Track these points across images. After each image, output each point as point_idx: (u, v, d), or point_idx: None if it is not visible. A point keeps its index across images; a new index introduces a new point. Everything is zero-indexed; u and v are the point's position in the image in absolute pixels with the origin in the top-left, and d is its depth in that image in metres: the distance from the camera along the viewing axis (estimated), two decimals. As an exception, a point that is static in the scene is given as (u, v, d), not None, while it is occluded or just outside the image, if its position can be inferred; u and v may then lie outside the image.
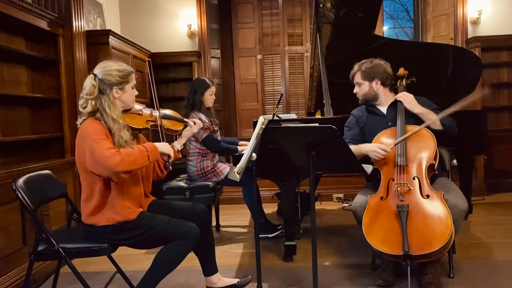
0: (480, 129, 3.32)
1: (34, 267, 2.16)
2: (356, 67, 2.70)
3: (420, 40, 6.14)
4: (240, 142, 3.51)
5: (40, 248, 1.99)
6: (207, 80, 3.43)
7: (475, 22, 5.07)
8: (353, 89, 2.72)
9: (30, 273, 2.02)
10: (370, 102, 2.69)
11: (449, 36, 5.51)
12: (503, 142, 4.88)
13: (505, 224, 3.58)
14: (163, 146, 2.11)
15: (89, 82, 2.01)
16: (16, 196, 1.94)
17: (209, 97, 3.39)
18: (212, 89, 3.40)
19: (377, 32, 3.68)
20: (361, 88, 2.67)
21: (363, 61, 2.70)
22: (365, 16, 3.49)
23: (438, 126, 2.47)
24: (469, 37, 5.03)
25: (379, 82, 2.63)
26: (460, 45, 4.90)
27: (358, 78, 2.67)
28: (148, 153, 1.98)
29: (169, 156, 2.14)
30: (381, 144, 2.42)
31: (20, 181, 1.99)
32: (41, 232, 1.97)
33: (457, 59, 3.48)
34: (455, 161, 3.49)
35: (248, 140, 2.29)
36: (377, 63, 2.65)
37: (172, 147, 2.35)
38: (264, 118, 2.27)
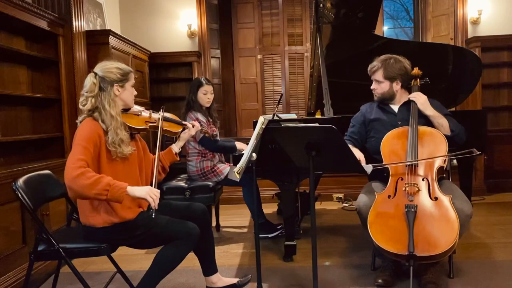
0: (480, 129, 3.31)
1: (34, 267, 2.16)
2: (378, 63, 2.59)
3: (420, 40, 6.14)
4: (236, 143, 3.49)
5: (40, 248, 1.99)
6: (201, 79, 3.41)
7: (475, 22, 5.07)
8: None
9: (30, 273, 2.02)
10: (386, 102, 2.65)
11: (449, 36, 5.50)
12: (503, 142, 4.88)
13: (505, 224, 3.59)
14: (138, 191, 1.90)
15: (89, 80, 2.03)
16: (16, 196, 1.94)
17: (203, 96, 3.35)
18: (205, 87, 3.36)
19: (377, 32, 3.67)
20: (381, 86, 2.60)
21: (385, 56, 2.60)
22: (365, 16, 3.48)
23: (446, 131, 2.46)
24: (469, 37, 5.03)
25: (400, 84, 2.59)
26: (460, 45, 4.89)
27: (379, 76, 2.58)
28: (110, 188, 1.82)
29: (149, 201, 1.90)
30: (392, 145, 2.44)
31: (20, 181, 1.99)
32: (41, 232, 1.97)
33: (457, 59, 3.48)
34: (455, 161, 3.49)
35: (246, 141, 2.29)
36: (400, 61, 2.57)
37: (170, 149, 2.36)
38: (264, 118, 2.26)
